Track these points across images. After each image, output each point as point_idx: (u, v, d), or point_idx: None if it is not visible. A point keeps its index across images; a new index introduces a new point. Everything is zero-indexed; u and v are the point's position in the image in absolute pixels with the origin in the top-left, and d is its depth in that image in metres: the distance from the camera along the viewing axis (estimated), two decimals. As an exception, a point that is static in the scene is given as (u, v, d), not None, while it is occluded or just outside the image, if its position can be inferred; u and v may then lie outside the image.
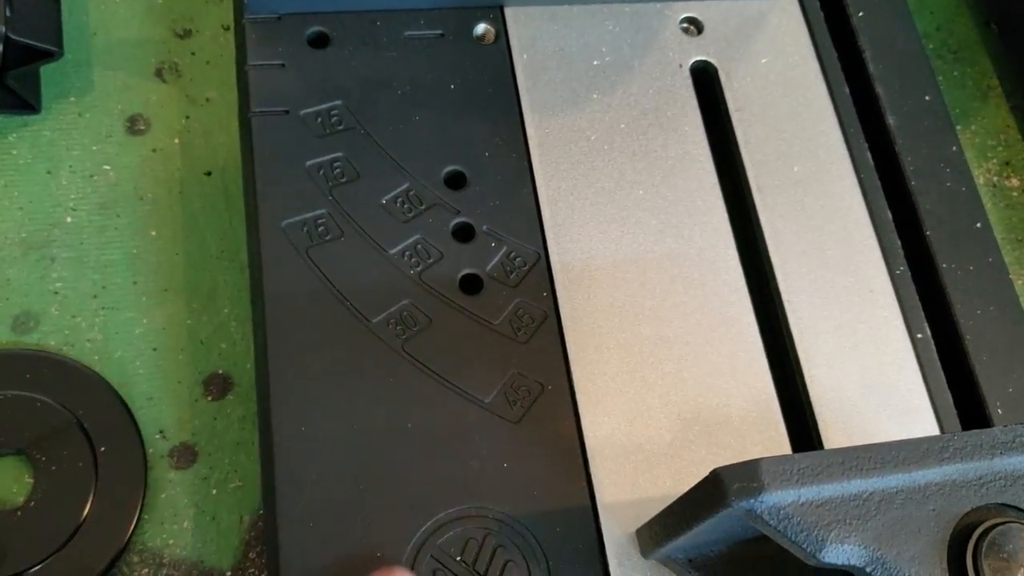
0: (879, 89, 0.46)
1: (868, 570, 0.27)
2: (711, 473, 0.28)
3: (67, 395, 0.41)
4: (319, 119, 0.41)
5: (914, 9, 0.55)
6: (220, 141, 0.47)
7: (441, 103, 0.42)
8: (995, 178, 0.54)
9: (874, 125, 0.45)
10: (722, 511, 0.27)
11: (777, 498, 0.27)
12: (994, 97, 0.56)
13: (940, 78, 0.56)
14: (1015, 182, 0.54)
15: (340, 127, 0.41)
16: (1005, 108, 0.56)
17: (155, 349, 0.42)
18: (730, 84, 0.45)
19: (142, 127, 0.47)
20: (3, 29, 0.41)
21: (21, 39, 0.42)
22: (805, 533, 0.27)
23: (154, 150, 0.46)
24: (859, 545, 0.27)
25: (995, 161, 0.54)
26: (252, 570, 0.39)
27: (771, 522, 0.27)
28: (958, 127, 0.54)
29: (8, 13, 0.41)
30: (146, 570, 0.39)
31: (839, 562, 0.27)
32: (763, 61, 0.45)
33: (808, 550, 0.27)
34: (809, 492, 0.27)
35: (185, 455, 0.41)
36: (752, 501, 0.27)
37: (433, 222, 0.40)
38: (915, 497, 0.28)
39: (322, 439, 0.35)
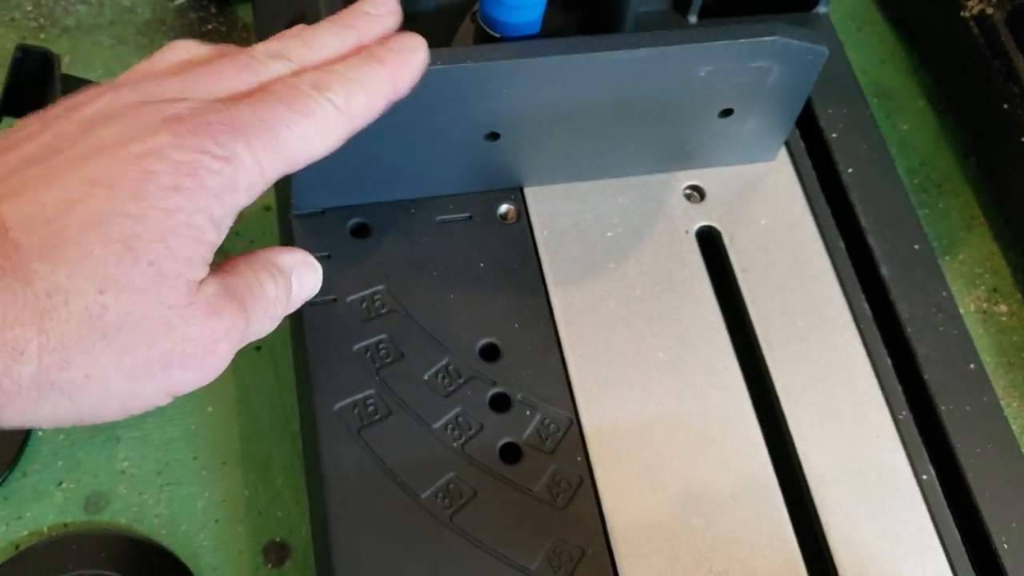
0: (871, 241, 0.50)
1: None
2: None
3: (140, 570, 0.44)
4: (364, 304, 0.45)
5: (899, 146, 0.60)
6: (266, 317, 0.51)
7: (472, 280, 0.46)
8: (984, 304, 0.58)
9: (869, 276, 0.49)
10: None
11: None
12: (978, 226, 0.61)
13: (927, 211, 0.60)
14: (1003, 307, 0.58)
15: (383, 310, 0.45)
16: (989, 236, 0.60)
17: (217, 521, 0.46)
18: (733, 246, 0.49)
19: (194, 308, 0.50)
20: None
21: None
22: None
23: (206, 329, 0.50)
24: None
25: (983, 288, 0.58)
26: None
27: None
28: (946, 257, 0.59)
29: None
30: None
31: None
32: (763, 222, 0.49)
33: None
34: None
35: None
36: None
37: (472, 394, 0.43)
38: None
39: (383, 611, 0.38)
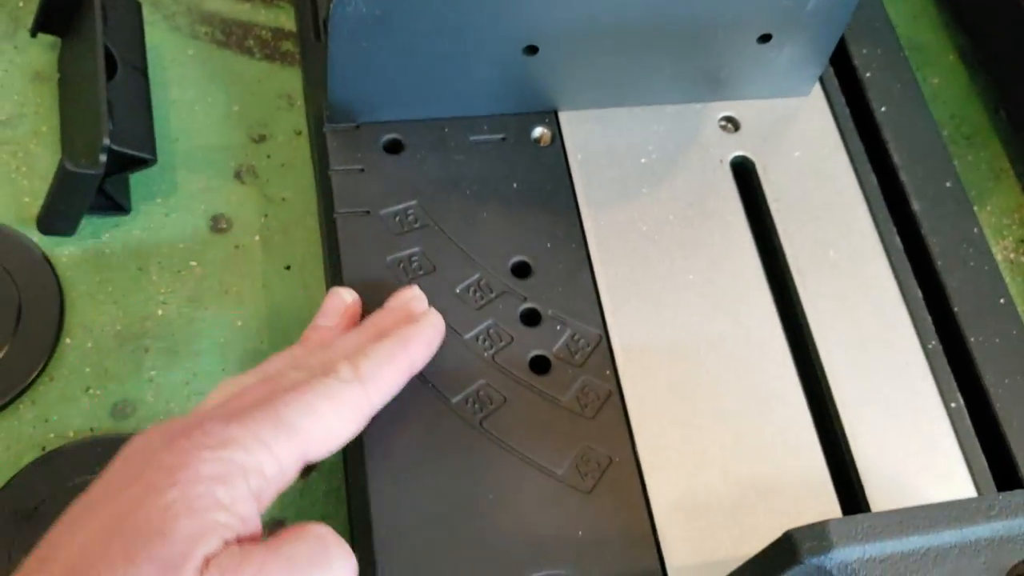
0: (903, 178, 0.50)
1: (929, 620, 0.30)
2: (784, 534, 0.31)
3: (166, 476, 0.44)
4: (397, 218, 0.45)
5: (928, 99, 0.60)
6: (297, 237, 0.51)
7: (505, 200, 0.46)
8: (1011, 255, 0.58)
9: (900, 211, 0.49)
10: (794, 568, 0.30)
11: (844, 555, 0.30)
12: (1007, 178, 0.60)
13: (956, 162, 0.60)
14: (1031, 258, 0.57)
15: (416, 225, 0.45)
16: (1017, 188, 0.60)
17: (244, 431, 0.46)
18: (767, 177, 0.49)
19: (224, 226, 0.51)
20: (107, 141, 0.45)
21: (121, 149, 0.46)
22: (871, 586, 0.30)
23: (236, 247, 0.50)
24: (920, 596, 0.30)
25: (1011, 239, 0.58)
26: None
27: (840, 577, 0.30)
28: (975, 208, 0.58)
29: (110, 126, 0.45)
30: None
31: (902, 612, 0.30)
32: (796, 155, 0.49)
33: (874, 601, 0.30)
34: (873, 549, 0.30)
35: (276, 530, 0.44)
36: (822, 558, 0.30)
37: (503, 308, 0.43)
38: (967, 551, 0.31)
39: (414, 509, 0.38)
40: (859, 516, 0.30)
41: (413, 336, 0.40)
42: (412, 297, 0.42)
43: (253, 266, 0.50)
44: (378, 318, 0.41)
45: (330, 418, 0.36)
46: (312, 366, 0.37)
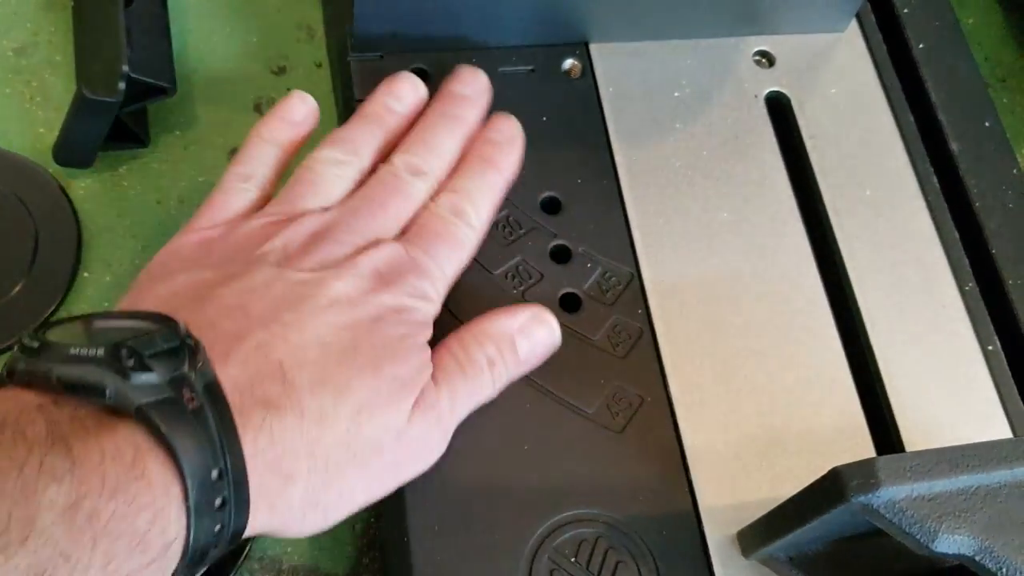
0: (941, 116, 0.48)
1: (977, 559, 0.29)
2: (830, 471, 0.30)
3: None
4: (423, 150, 0.43)
5: (964, 39, 0.58)
6: (318, 172, 0.50)
7: (535, 133, 0.44)
8: (1046, 199, 0.56)
9: (938, 150, 0.48)
10: (840, 507, 0.30)
11: (892, 493, 0.29)
12: (1042, 122, 0.59)
13: (990, 104, 0.59)
14: (1066, 203, 0.56)
15: (443, 158, 0.43)
16: (1053, 132, 0.59)
17: (266, 368, 0.45)
18: (803, 113, 0.47)
19: (244, 159, 0.49)
20: (126, 68, 0.44)
21: (140, 77, 0.45)
22: (918, 525, 0.29)
23: (257, 181, 0.49)
24: (968, 536, 0.29)
25: (1046, 183, 0.57)
26: (366, 575, 0.42)
27: (887, 515, 0.29)
28: (1011, 150, 0.57)
29: (128, 54, 0.44)
30: None
31: (951, 552, 0.29)
32: (832, 91, 0.48)
33: (921, 541, 0.29)
34: (921, 487, 0.29)
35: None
36: (870, 496, 0.29)
37: (532, 245, 0.42)
38: (1018, 491, 0.30)
39: (448, 453, 0.38)
40: (908, 454, 0.29)
41: (512, 159, 0.41)
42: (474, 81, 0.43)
43: (273, 201, 0.49)
44: (458, 110, 0.42)
45: (464, 263, 0.40)
46: (435, 174, 0.40)
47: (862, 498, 0.29)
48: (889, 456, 0.29)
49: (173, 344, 0.29)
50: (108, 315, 0.32)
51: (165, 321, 0.31)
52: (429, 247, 0.38)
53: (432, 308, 0.37)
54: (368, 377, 0.34)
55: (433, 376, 0.36)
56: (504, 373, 0.38)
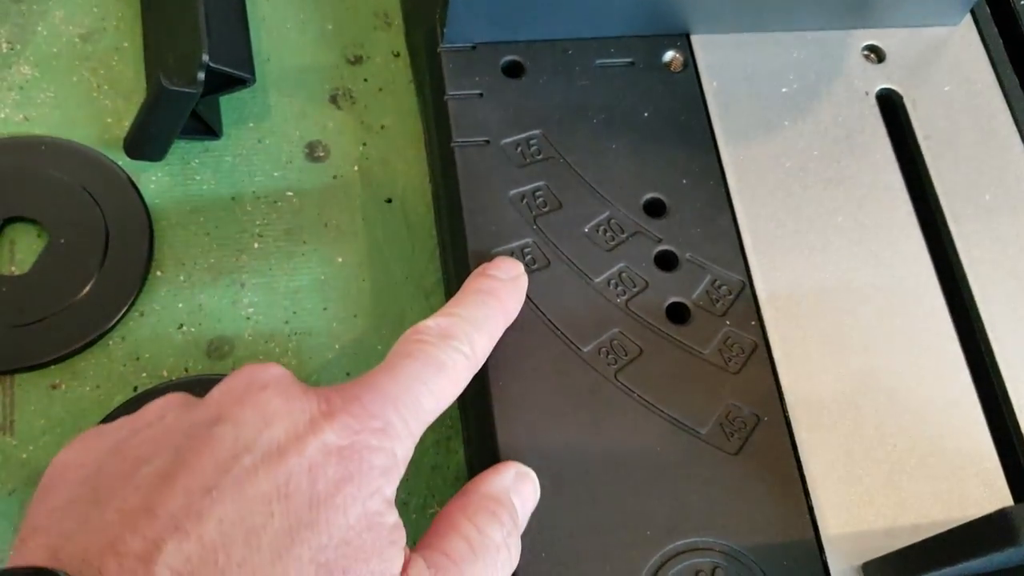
0: (1062, 115, 0.45)
1: None
2: (999, 512, 0.27)
3: (267, 421, 0.41)
4: (519, 148, 0.41)
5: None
6: (398, 168, 0.47)
7: (635, 130, 0.42)
8: None
9: (1059, 151, 0.45)
10: (1008, 550, 0.27)
11: (1071, 538, 0.26)
12: None
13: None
14: None
15: (540, 156, 0.41)
16: None
17: (348, 374, 0.43)
18: (916, 111, 0.44)
19: (321, 154, 0.47)
20: (206, 58, 0.41)
21: (220, 67, 0.42)
22: (1099, 574, 0.27)
23: (335, 177, 0.47)
24: None
25: None
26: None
27: (1064, 562, 0.27)
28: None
29: (208, 40, 0.42)
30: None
31: None
32: (946, 88, 0.45)
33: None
34: (1103, 532, 0.27)
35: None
36: (1045, 541, 0.26)
37: (636, 250, 0.40)
38: None
39: (544, 467, 0.35)
40: (1088, 495, 0.27)
41: (515, 297, 0.37)
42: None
43: (352, 198, 0.46)
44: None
45: (449, 398, 0.33)
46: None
47: (1037, 543, 0.26)
48: (1066, 497, 0.27)
49: None
50: None
51: None
52: (398, 370, 0.32)
53: (399, 445, 0.30)
54: None
55: (434, 562, 0.30)
56: (513, 555, 0.32)
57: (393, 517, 0.30)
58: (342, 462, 0.29)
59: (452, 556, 0.31)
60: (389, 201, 0.47)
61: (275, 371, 0.31)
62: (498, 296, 0.36)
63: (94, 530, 0.27)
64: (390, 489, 0.30)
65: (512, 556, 0.32)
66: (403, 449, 0.31)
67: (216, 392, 0.31)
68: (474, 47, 0.43)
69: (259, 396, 0.30)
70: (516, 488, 0.34)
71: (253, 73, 0.45)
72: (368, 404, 0.30)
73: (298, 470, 0.28)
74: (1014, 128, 0.45)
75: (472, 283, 0.37)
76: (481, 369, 0.37)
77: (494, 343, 0.36)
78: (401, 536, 0.29)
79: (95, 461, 0.30)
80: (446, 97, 0.41)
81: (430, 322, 0.34)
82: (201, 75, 0.41)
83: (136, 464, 0.29)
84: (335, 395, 0.31)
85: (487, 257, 0.38)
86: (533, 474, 0.35)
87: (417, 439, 0.32)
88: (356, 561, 0.28)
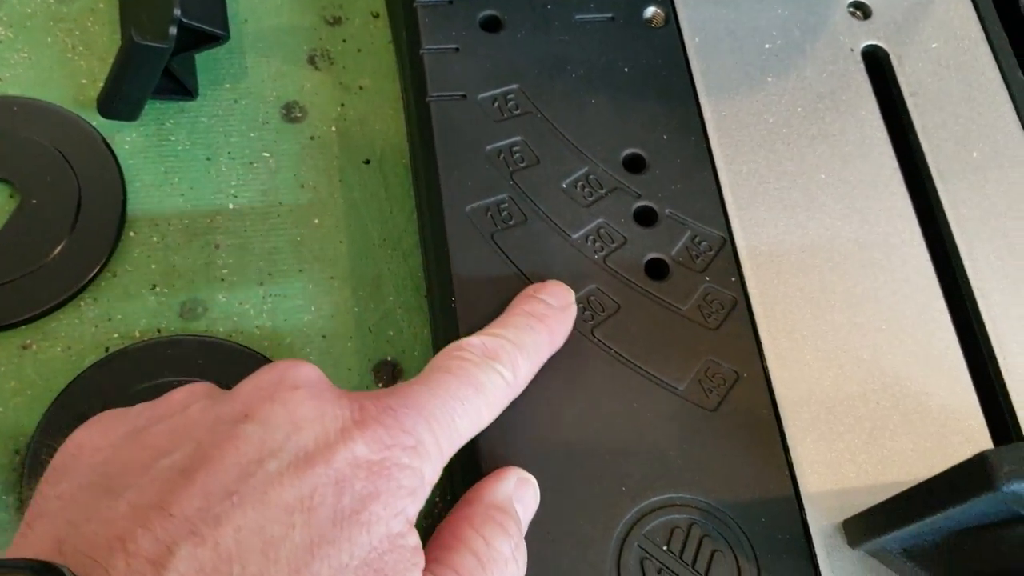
0: (1052, 73, 0.44)
1: None
2: (977, 456, 0.27)
3: (240, 380, 0.40)
4: (496, 103, 0.40)
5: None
6: (376, 129, 0.46)
7: (616, 86, 0.41)
8: None
9: (1049, 109, 0.44)
10: (986, 495, 0.26)
11: (1050, 482, 0.26)
12: None
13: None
14: None
15: (517, 111, 0.40)
16: None
17: (324, 336, 0.42)
18: (902, 69, 0.44)
19: (298, 114, 0.46)
20: (178, 12, 0.40)
21: (192, 23, 0.42)
22: (1080, 518, 0.26)
23: (312, 138, 0.46)
24: None
25: None
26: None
27: (1043, 507, 0.26)
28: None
29: (179, -2, 0.41)
30: None
31: (1115, 549, 0.26)
32: (933, 46, 0.44)
33: (1083, 536, 0.26)
34: (1084, 476, 0.26)
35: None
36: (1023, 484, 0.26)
37: (615, 206, 0.39)
38: None
39: (521, 426, 0.35)
40: (1067, 438, 0.26)
41: (564, 324, 0.35)
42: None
43: (330, 159, 0.46)
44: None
45: (484, 422, 0.32)
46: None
47: (1015, 486, 0.26)
48: (1045, 440, 0.26)
49: None
50: None
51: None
52: (435, 385, 0.31)
53: (428, 465, 0.29)
54: None
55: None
56: (524, 557, 0.31)
57: (415, 539, 0.28)
58: (371, 478, 0.27)
59: (462, 572, 0.29)
60: (367, 162, 0.46)
61: (308, 371, 0.30)
62: (547, 323, 0.34)
63: (103, 521, 0.25)
64: (414, 511, 0.28)
65: (520, 568, 0.31)
66: (431, 470, 0.29)
67: (245, 386, 0.30)
68: (451, 1, 0.42)
69: (290, 396, 0.29)
70: (518, 495, 0.32)
71: (227, 29, 0.44)
72: (402, 418, 0.29)
73: (324, 481, 0.27)
74: (1002, 84, 0.44)
75: (521, 305, 0.35)
76: (452, 326, 0.36)
77: (536, 371, 0.34)
78: (421, 559, 0.28)
79: (111, 445, 0.28)
80: (421, 51, 0.41)
81: (474, 339, 0.33)
82: (173, 30, 0.40)
83: (155, 454, 0.27)
84: (369, 403, 0.29)
85: (462, 213, 0.38)
86: (533, 479, 0.33)
87: (447, 461, 0.30)
88: None
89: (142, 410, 0.30)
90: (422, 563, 0.28)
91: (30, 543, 0.26)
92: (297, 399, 0.28)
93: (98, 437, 0.29)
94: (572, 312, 0.36)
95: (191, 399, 0.30)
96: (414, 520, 0.28)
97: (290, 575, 0.25)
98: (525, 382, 0.33)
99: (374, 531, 0.27)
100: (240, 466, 0.26)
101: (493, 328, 0.33)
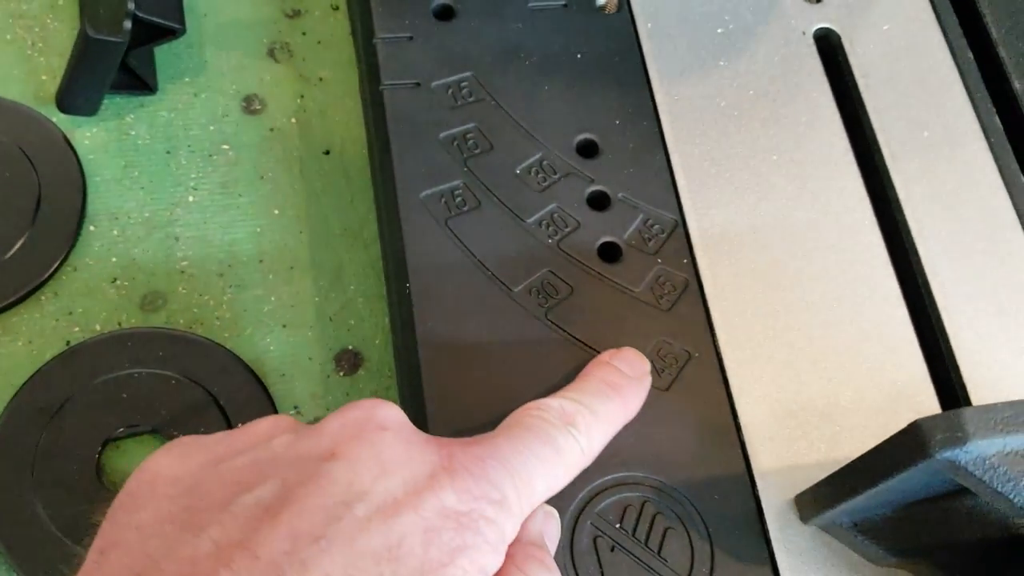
0: (1002, 53, 0.45)
1: (1079, 520, 0.26)
2: (910, 425, 0.27)
3: (201, 373, 0.41)
4: (449, 91, 0.41)
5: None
6: (336, 120, 0.47)
7: (569, 72, 0.42)
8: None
9: (999, 89, 0.44)
10: (921, 464, 0.27)
11: (982, 448, 0.26)
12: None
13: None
14: None
15: (471, 98, 0.41)
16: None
17: (284, 326, 0.42)
18: (854, 51, 0.44)
19: (258, 107, 0.47)
20: (131, 6, 0.41)
21: (147, 17, 0.42)
22: (1012, 483, 0.26)
23: (271, 129, 0.46)
24: (1068, 495, 0.26)
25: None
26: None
27: (976, 473, 0.26)
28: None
29: (134, -8, 0.41)
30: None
31: (1048, 513, 0.26)
32: (885, 28, 0.45)
33: (1016, 501, 0.26)
34: (1015, 441, 0.26)
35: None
36: (956, 451, 0.26)
37: (568, 191, 0.39)
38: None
39: (473, 408, 0.35)
40: (999, 404, 0.26)
41: (638, 396, 0.35)
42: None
43: (290, 151, 0.46)
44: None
45: (559, 486, 0.31)
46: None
47: (948, 453, 0.26)
48: (978, 407, 0.26)
49: None
50: None
51: None
52: (518, 441, 0.30)
53: (509, 522, 0.28)
54: None
55: None
56: None
57: None
58: (459, 530, 0.26)
59: None
60: (327, 153, 0.46)
61: (395, 414, 0.29)
62: (623, 394, 0.34)
63: (185, 560, 0.25)
64: (494, 567, 0.27)
65: None
66: (512, 528, 0.28)
67: (331, 423, 0.29)
68: (404, -9, 0.42)
69: (379, 437, 0.28)
70: (546, 529, 0.32)
71: (183, 23, 0.44)
72: (490, 469, 0.28)
73: (413, 530, 0.26)
74: (953, 66, 0.45)
75: (598, 372, 0.34)
76: (407, 312, 0.37)
77: (607, 442, 0.33)
78: None
79: (191, 476, 0.27)
80: (375, 40, 0.41)
81: (552, 401, 0.32)
82: (127, 24, 0.41)
83: (237, 490, 0.26)
84: (458, 450, 0.28)
85: (416, 200, 0.38)
86: (555, 512, 0.32)
87: (522, 521, 0.29)
88: None
89: (222, 438, 0.29)
90: None
91: (104, 571, 0.26)
92: (386, 441, 0.28)
93: (177, 465, 0.28)
94: (647, 383, 0.35)
95: (275, 431, 0.29)
96: (495, 568, 0.28)
97: None
98: (597, 452, 0.32)
99: None
100: (327, 508, 0.26)
101: (570, 392, 0.33)
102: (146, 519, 0.26)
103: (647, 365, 0.35)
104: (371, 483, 0.26)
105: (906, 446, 0.27)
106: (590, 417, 0.32)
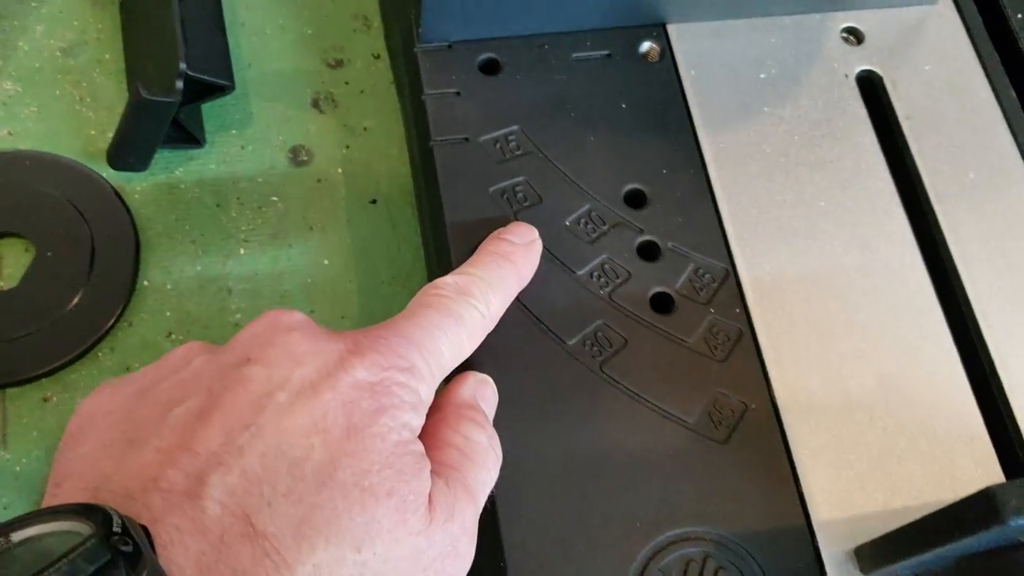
0: (1045, 91, 0.45)
1: None
2: (982, 492, 0.27)
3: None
4: (498, 145, 0.41)
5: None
6: (381, 169, 0.47)
7: (614, 122, 0.42)
8: None
9: (1043, 128, 0.45)
10: (994, 529, 0.27)
11: (1053, 514, 0.26)
12: None
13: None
14: None
15: (519, 152, 0.41)
16: None
17: (337, 377, 0.43)
18: (896, 92, 0.44)
19: (305, 158, 0.47)
20: (183, 66, 0.41)
21: (198, 75, 0.42)
22: (1082, 547, 0.26)
23: (319, 180, 0.47)
24: None
25: None
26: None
27: (1047, 537, 0.26)
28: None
29: (185, 50, 0.42)
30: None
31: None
32: (926, 68, 0.45)
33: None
34: (1085, 506, 0.26)
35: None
36: (1029, 518, 0.26)
37: (618, 241, 0.40)
38: None
39: (534, 464, 0.35)
40: (1069, 470, 0.27)
41: (529, 261, 0.37)
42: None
43: (337, 200, 0.46)
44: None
45: (466, 352, 0.34)
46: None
47: (1022, 521, 0.26)
48: (1048, 473, 0.27)
49: (103, 558, 0.23)
50: (26, 519, 0.24)
51: (92, 516, 0.24)
52: (420, 317, 0.33)
53: (422, 385, 0.31)
54: (356, 500, 0.28)
55: (438, 472, 0.31)
56: (496, 457, 0.34)
57: (420, 447, 0.30)
58: (375, 396, 0.29)
59: (452, 466, 0.32)
60: (374, 202, 0.47)
61: (299, 316, 0.32)
62: (513, 260, 0.37)
63: (133, 469, 0.27)
64: (417, 424, 0.30)
65: (498, 454, 0.34)
66: (426, 390, 0.31)
67: (241, 337, 0.32)
68: (450, 46, 0.43)
69: (287, 337, 0.31)
70: (480, 393, 0.35)
71: (232, 80, 0.45)
72: (394, 345, 0.31)
73: (333, 405, 0.29)
74: (996, 105, 0.45)
75: (487, 246, 0.37)
76: (461, 365, 0.37)
77: (507, 305, 0.36)
78: (427, 462, 0.30)
79: (123, 406, 0.30)
80: (423, 96, 0.41)
81: (448, 279, 0.35)
82: (179, 84, 0.41)
83: (168, 406, 0.29)
84: (361, 336, 0.31)
85: (469, 254, 0.38)
86: (489, 379, 0.35)
87: (437, 384, 0.32)
88: (399, 482, 0.28)
89: (145, 371, 0.32)
90: (428, 465, 0.30)
91: (62, 499, 0.27)
92: (294, 340, 0.30)
93: (107, 401, 0.31)
94: (537, 248, 0.38)
95: (191, 354, 0.31)
96: (418, 432, 0.30)
97: (318, 487, 0.27)
98: (498, 316, 0.36)
99: (387, 439, 0.29)
100: (252, 402, 0.28)
101: (464, 267, 0.36)
102: (91, 448, 0.29)
103: (534, 233, 0.38)
104: (287, 374, 0.29)
105: (979, 512, 0.27)
106: (484, 285, 0.35)
